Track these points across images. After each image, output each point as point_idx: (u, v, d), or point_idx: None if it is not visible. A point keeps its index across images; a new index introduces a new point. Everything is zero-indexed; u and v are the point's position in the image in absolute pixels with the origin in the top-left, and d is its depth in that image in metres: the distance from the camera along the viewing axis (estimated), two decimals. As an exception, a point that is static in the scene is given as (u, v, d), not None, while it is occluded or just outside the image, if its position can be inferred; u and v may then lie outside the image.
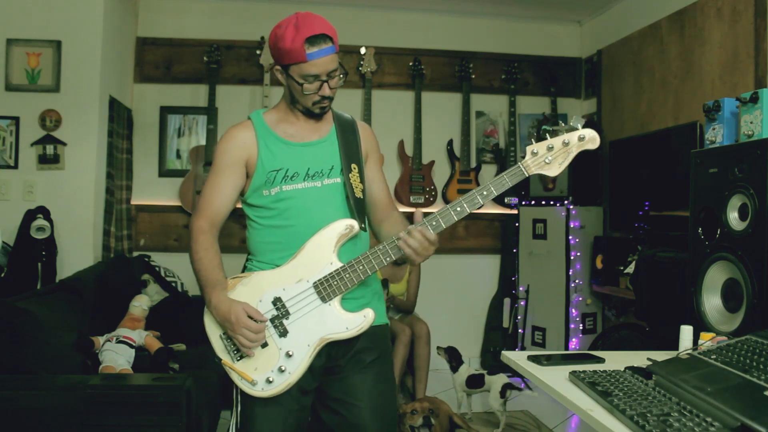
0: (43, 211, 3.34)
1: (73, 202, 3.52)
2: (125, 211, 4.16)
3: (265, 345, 1.54)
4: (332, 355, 1.62)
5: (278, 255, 1.61)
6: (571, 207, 4.10)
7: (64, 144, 3.53)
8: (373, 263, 1.55)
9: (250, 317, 1.52)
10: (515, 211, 4.50)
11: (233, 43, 4.49)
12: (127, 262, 3.78)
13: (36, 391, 2.09)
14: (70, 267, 3.41)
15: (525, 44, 4.84)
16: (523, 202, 4.43)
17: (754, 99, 2.13)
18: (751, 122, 2.14)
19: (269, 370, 1.53)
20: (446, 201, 4.62)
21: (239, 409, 1.60)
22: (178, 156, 4.47)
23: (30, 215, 3.31)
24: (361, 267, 1.54)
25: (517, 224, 4.45)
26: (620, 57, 4.32)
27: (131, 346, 2.71)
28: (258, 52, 4.40)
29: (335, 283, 1.55)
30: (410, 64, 4.63)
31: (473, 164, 4.70)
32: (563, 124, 1.55)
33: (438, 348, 3.60)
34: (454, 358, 3.50)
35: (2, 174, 3.49)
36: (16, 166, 3.50)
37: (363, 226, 1.63)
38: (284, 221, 1.61)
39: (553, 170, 1.54)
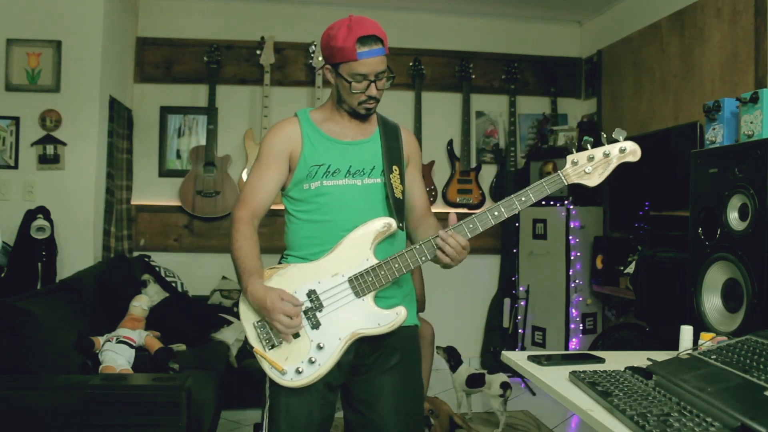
0: (43, 211, 3.35)
1: (73, 202, 3.52)
2: (125, 211, 4.16)
3: (297, 336, 1.57)
4: (360, 353, 1.64)
5: (315, 249, 1.63)
6: (571, 207, 4.10)
7: (64, 144, 3.53)
8: (409, 261, 1.57)
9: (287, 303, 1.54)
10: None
11: (233, 43, 4.49)
12: (127, 262, 3.78)
13: (36, 391, 2.09)
14: (70, 267, 3.41)
15: (525, 44, 4.84)
16: (523, 202, 4.41)
17: (754, 99, 2.13)
18: (751, 122, 2.14)
19: (300, 361, 1.55)
20: (446, 201, 4.62)
21: (269, 403, 1.63)
22: (178, 156, 4.47)
23: (30, 215, 3.31)
24: (396, 265, 1.57)
25: (517, 224, 4.45)
26: (620, 57, 4.32)
27: (131, 346, 2.71)
28: (258, 52, 4.40)
29: (370, 279, 1.57)
30: (410, 64, 4.63)
31: (473, 164, 4.70)
32: (605, 135, 1.56)
33: (437, 347, 3.60)
34: (452, 357, 3.51)
35: (2, 174, 3.49)
36: (16, 166, 3.50)
37: (401, 225, 1.66)
38: (323, 216, 1.64)
39: (593, 180, 1.55)
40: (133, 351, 2.70)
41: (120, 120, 4.00)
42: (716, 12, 3.36)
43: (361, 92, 1.61)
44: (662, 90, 3.83)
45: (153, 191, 4.43)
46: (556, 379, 1.46)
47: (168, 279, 3.93)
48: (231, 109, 4.46)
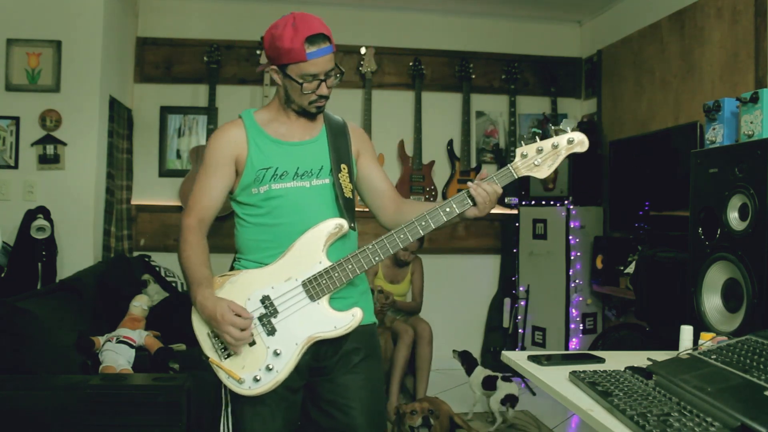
0: (43, 211, 3.34)
1: (73, 202, 3.53)
2: (125, 211, 4.16)
3: (252, 343, 1.54)
4: (320, 356, 1.61)
5: (266, 253, 1.61)
6: (572, 207, 4.10)
7: (64, 144, 3.53)
8: (362, 262, 1.56)
9: (237, 315, 1.51)
10: (515, 211, 4.50)
11: (233, 43, 4.49)
12: (127, 262, 3.78)
13: (36, 391, 2.09)
14: (70, 267, 3.41)
15: (525, 44, 4.84)
16: (523, 202, 4.42)
17: (754, 99, 2.13)
18: (752, 122, 2.14)
19: (257, 369, 1.53)
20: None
21: (230, 408, 1.61)
22: (178, 156, 4.47)
23: (30, 215, 3.31)
24: (350, 266, 1.55)
25: (517, 224, 4.45)
26: (620, 57, 4.32)
27: (131, 346, 2.71)
28: (258, 52, 4.40)
29: (324, 281, 1.55)
30: (410, 64, 4.63)
31: (473, 164, 4.70)
32: (552, 127, 1.57)
33: (453, 351, 3.58)
34: (466, 361, 3.49)
35: (2, 174, 3.49)
36: (16, 166, 3.50)
37: (353, 225, 1.64)
38: (273, 219, 1.61)
39: (542, 172, 1.56)
40: (133, 351, 2.70)
41: (120, 120, 4.00)
42: (716, 12, 3.36)
43: (312, 92, 1.59)
44: (662, 90, 3.83)
45: (153, 191, 4.43)
46: (556, 379, 1.46)
47: (168, 279, 3.93)
48: (231, 109, 4.45)
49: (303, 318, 1.55)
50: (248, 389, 1.53)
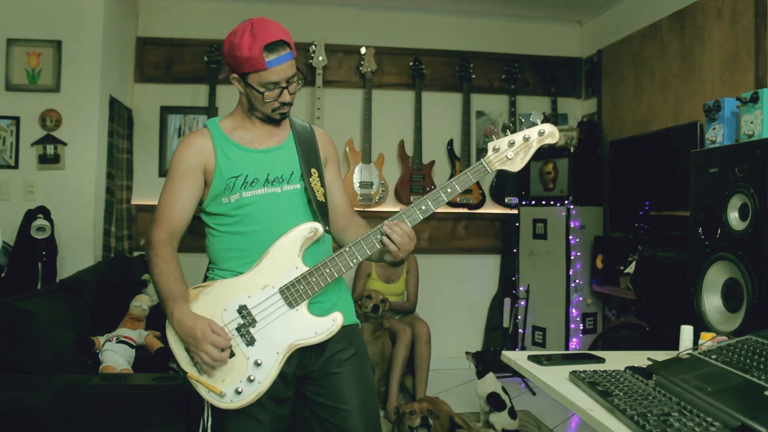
0: (44, 211, 3.34)
1: (73, 202, 3.52)
2: (125, 211, 4.16)
3: (232, 354, 1.50)
4: (304, 363, 1.59)
5: (240, 262, 1.57)
6: (572, 207, 4.10)
7: (65, 144, 3.53)
8: (340, 265, 1.53)
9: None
10: (515, 211, 4.50)
11: (233, 43, 4.48)
12: (127, 262, 3.78)
13: (36, 391, 2.09)
14: (70, 267, 3.41)
15: (525, 44, 4.83)
16: (524, 202, 4.42)
17: (755, 99, 2.13)
18: (752, 122, 2.14)
19: (237, 381, 1.49)
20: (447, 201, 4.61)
21: (210, 423, 1.56)
22: (179, 156, 4.47)
23: (30, 215, 3.31)
24: (327, 270, 1.53)
25: (517, 224, 4.45)
26: (620, 57, 4.32)
27: (131, 346, 2.71)
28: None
29: (302, 287, 1.52)
30: (410, 64, 4.63)
31: (473, 164, 4.69)
32: (523, 121, 1.59)
33: (466, 353, 3.53)
34: (481, 362, 3.38)
35: (2, 174, 3.49)
36: (16, 166, 3.50)
37: (327, 228, 1.62)
38: (245, 227, 1.57)
39: (515, 165, 1.57)
40: (133, 351, 2.70)
41: (120, 120, 4.00)
42: (716, 12, 3.36)
43: (274, 100, 1.56)
44: (662, 90, 3.83)
45: (153, 191, 4.41)
46: (556, 379, 1.46)
47: (168, 279, 3.93)
48: (231, 109, 4.44)
49: (282, 326, 1.51)
50: (230, 402, 1.49)
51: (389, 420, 3.35)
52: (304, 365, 1.59)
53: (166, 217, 1.58)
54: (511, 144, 1.55)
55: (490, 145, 1.56)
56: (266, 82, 1.54)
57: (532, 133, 1.56)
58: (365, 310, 3.50)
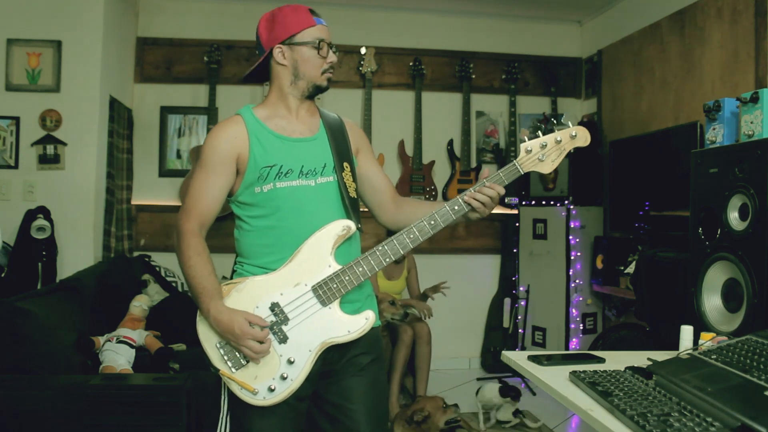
0: (44, 211, 3.35)
1: (73, 202, 3.52)
2: (125, 211, 4.16)
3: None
4: (327, 360, 1.58)
5: (272, 258, 1.55)
6: (572, 207, 4.10)
7: (65, 144, 3.53)
8: (372, 264, 1.53)
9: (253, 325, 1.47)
10: (515, 211, 4.50)
11: (233, 43, 4.49)
12: (127, 262, 3.79)
13: (36, 391, 2.09)
14: (70, 267, 3.41)
15: (525, 44, 4.83)
16: (524, 202, 4.42)
17: (755, 99, 2.13)
18: (752, 122, 2.14)
19: (270, 378, 1.49)
20: (447, 201, 4.61)
21: (229, 415, 1.56)
22: (179, 156, 4.47)
23: (30, 215, 3.31)
24: (360, 269, 1.52)
25: (517, 224, 4.45)
26: (620, 57, 4.32)
27: (131, 346, 2.71)
28: (258, 52, 4.40)
29: (335, 285, 1.51)
30: (410, 64, 4.63)
31: (474, 164, 4.70)
32: (555, 122, 1.59)
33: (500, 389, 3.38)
34: (512, 391, 3.31)
35: (2, 174, 3.49)
36: (16, 166, 3.50)
37: (359, 226, 1.60)
38: (277, 222, 1.55)
39: (546, 167, 1.57)
40: (133, 351, 2.70)
41: (120, 120, 4.00)
42: (716, 12, 3.36)
43: (325, 57, 1.59)
44: (662, 90, 3.83)
45: (153, 191, 4.43)
46: (556, 379, 1.46)
47: (168, 279, 3.93)
48: (231, 109, 4.44)
49: (315, 324, 1.51)
50: (263, 399, 1.48)
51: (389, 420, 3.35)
52: (327, 362, 1.58)
53: (196, 206, 1.56)
54: (543, 146, 1.56)
55: (523, 147, 1.56)
56: (317, 37, 1.58)
57: (565, 135, 1.57)
58: (392, 318, 3.44)
